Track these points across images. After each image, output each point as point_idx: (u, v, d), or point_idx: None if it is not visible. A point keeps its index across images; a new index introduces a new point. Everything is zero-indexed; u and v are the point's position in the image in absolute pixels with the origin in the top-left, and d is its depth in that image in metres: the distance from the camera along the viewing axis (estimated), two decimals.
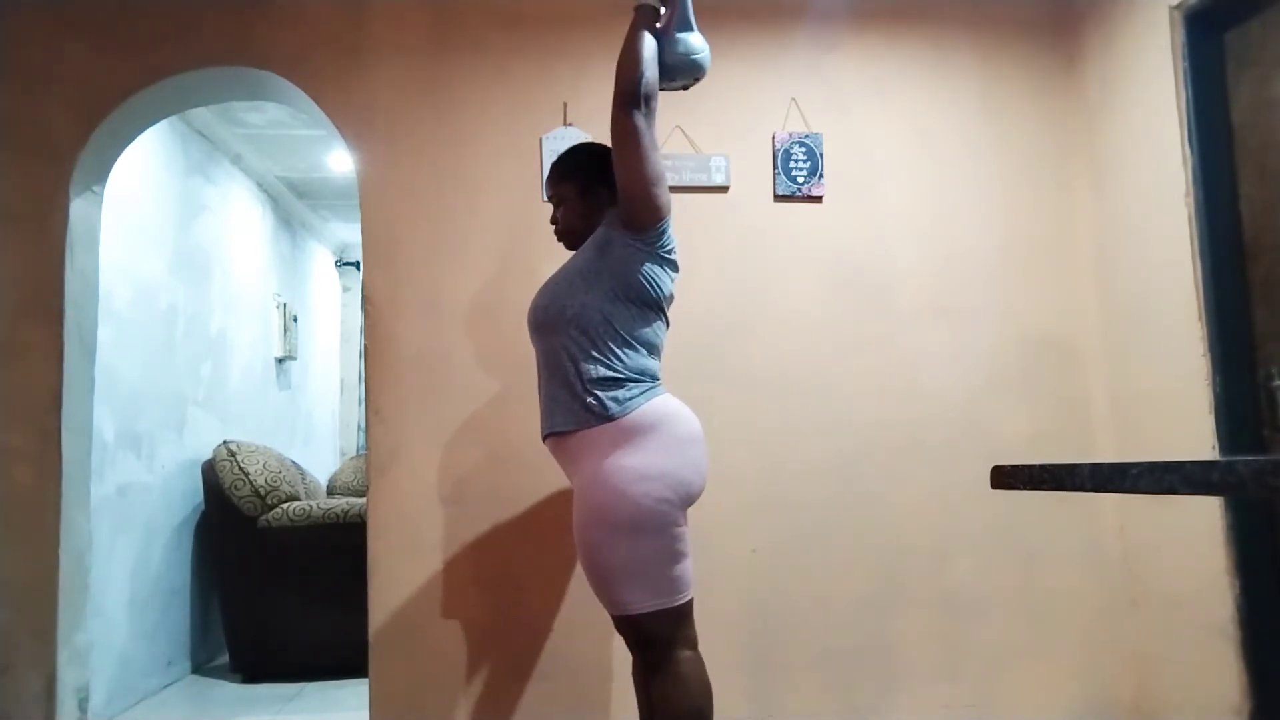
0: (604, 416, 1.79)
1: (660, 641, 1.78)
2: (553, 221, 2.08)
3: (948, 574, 2.70)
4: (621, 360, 1.83)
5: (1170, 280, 2.51)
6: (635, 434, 1.78)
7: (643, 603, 1.75)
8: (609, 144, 1.87)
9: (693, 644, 1.83)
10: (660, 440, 1.78)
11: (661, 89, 1.91)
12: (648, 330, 1.88)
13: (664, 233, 1.88)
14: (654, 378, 1.89)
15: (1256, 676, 2.31)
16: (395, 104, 2.66)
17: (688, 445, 1.82)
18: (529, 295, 2.57)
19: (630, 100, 1.79)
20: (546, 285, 1.96)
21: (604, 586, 1.79)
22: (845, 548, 2.67)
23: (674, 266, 1.93)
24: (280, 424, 5.22)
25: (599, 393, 1.79)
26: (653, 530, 1.75)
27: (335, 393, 6.80)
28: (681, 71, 1.93)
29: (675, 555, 1.78)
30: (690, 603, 1.82)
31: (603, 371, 1.81)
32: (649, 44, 1.84)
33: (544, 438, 1.93)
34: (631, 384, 1.82)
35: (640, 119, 1.79)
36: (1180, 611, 2.53)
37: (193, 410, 3.92)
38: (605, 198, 1.96)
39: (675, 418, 1.83)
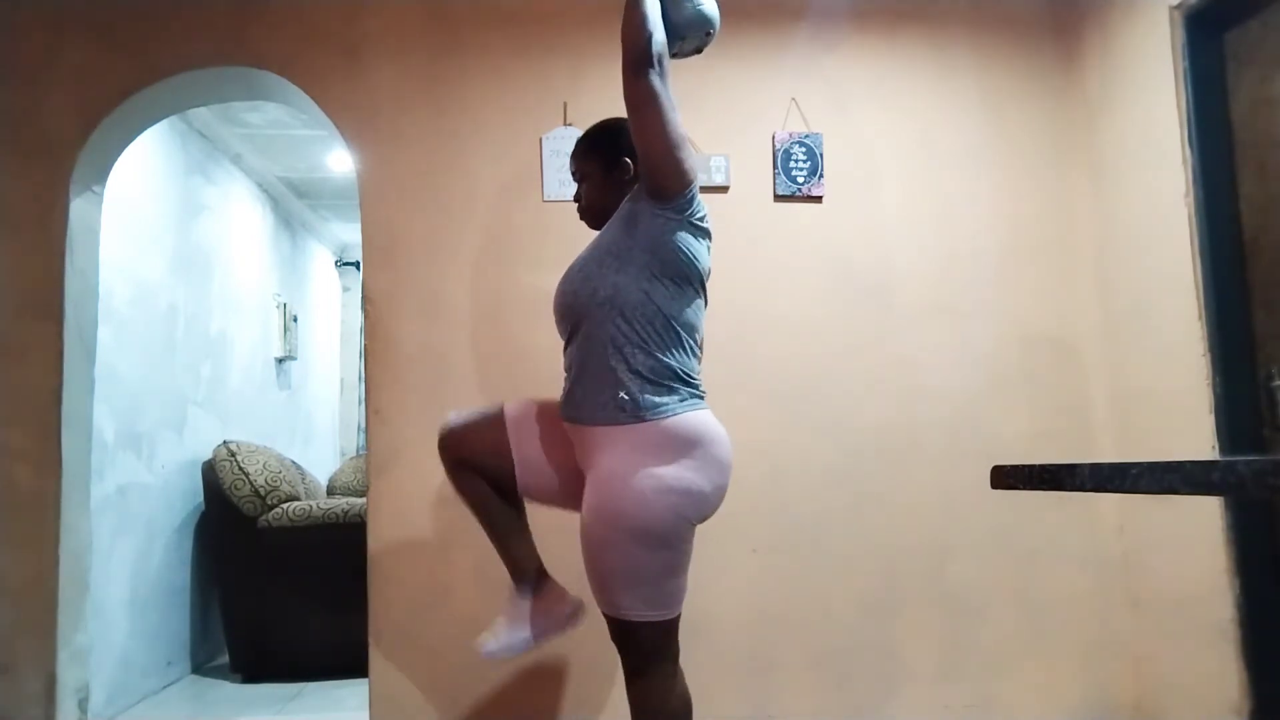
0: (636, 417, 1.69)
1: (648, 650, 1.75)
2: (576, 199, 1.98)
3: (948, 574, 2.70)
4: (666, 351, 1.73)
5: (1170, 280, 2.51)
6: (672, 443, 1.70)
7: (638, 610, 1.72)
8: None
9: (675, 656, 1.80)
10: (699, 457, 1.72)
11: (673, 56, 1.80)
12: (688, 310, 1.78)
13: (693, 199, 1.77)
14: (697, 384, 1.79)
15: (1256, 676, 2.31)
16: (394, 103, 2.66)
17: (720, 471, 1.77)
18: (529, 295, 2.57)
19: (642, 61, 1.67)
20: (572, 268, 1.84)
21: (604, 586, 1.75)
22: (845, 548, 2.67)
23: (708, 235, 1.82)
24: (280, 424, 5.22)
25: (635, 391, 1.70)
26: (665, 543, 1.71)
27: (335, 393, 6.80)
28: (692, 27, 1.81)
29: (678, 569, 1.76)
30: (679, 616, 1.79)
31: (645, 362, 1.71)
32: (652, 1, 1.72)
33: (562, 418, 1.83)
34: (673, 388, 1.73)
35: (655, 79, 1.67)
36: (1180, 611, 2.53)
37: (193, 410, 3.91)
38: (630, 173, 1.85)
39: (716, 439, 1.77)
